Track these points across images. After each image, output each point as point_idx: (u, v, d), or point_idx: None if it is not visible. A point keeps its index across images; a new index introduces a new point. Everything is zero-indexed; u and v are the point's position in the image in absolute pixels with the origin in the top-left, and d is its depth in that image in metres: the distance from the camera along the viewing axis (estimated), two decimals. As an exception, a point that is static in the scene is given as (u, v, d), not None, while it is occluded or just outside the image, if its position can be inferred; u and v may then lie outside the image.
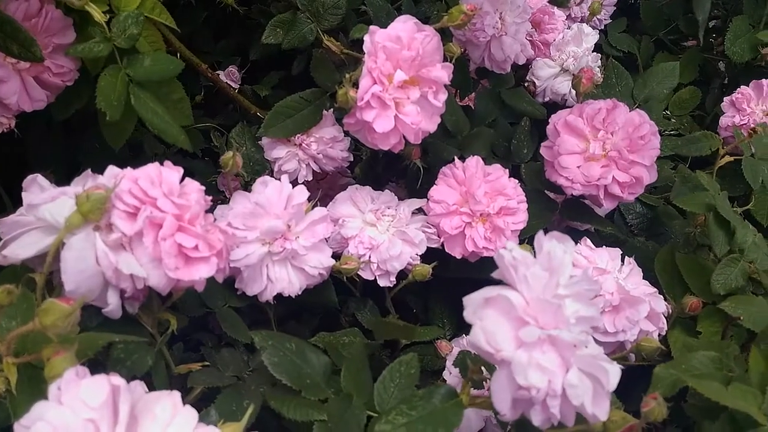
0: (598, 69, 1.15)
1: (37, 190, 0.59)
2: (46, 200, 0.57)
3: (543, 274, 0.50)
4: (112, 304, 0.58)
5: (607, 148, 0.90)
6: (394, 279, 0.88)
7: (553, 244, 0.52)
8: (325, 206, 0.85)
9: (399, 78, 0.78)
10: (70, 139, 1.02)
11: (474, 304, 0.51)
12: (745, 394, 0.55)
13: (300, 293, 0.80)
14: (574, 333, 0.49)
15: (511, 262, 0.51)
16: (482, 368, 0.61)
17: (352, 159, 0.98)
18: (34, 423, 0.44)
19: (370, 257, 0.87)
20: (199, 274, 0.60)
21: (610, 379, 0.50)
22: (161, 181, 0.59)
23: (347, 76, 0.81)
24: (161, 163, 0.62)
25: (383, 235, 0.88)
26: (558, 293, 0.50)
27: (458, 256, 0.90)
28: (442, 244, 0.90)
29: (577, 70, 1.06)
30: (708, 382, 0.56)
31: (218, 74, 1.12)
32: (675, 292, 0.89)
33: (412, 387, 0.64)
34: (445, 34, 0.98)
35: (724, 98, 1.15)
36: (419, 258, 0.88)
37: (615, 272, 0.82)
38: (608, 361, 0.51)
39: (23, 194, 0.60)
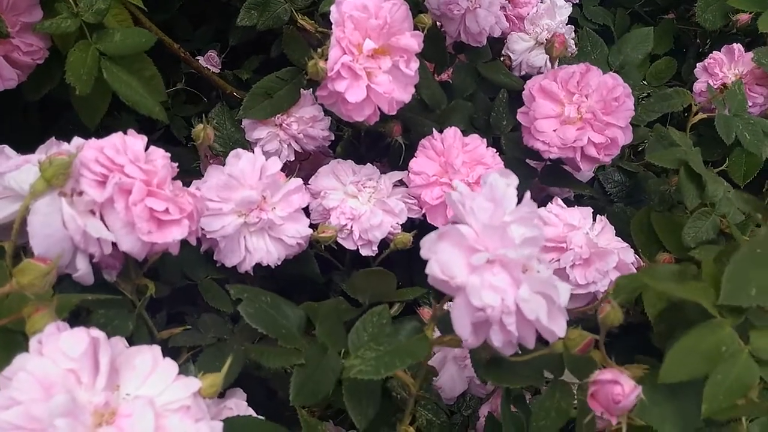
0: (572, 41, 1.16)
1: (4, 159, 0.61)
2: (11, 168, 0.58)
3: (488, 205, 0.53)
4: (82, 269, 0.59)
5: (581, 110, 0.90)
6: (376, 248, 0.89)
7: (494, 177, 0.54)
8: (308, 187, 0.86)
9: (368, 47, 0.79)
10: (45, 125, 1.02)
11: (429, 241, 0.54)
12: (700, 289, 0.57)
13: (280, 263, 0.81)
14: (521, 253, 0.51)
15: (458, 198, 0.54)
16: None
17: (333, 138, 0.99)
18: (16, 374, 0.45)
19: (351, 227, 0.88)
20: (172, 236, 0.62)
21: (561, 295, 0.52)
22: (126, 148, 0.61)
23: (318, 50, 0.82)
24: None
25: (364, 206, 0.89)
26: (504, 220, 0.52)
27: (440, 227, 0.90)
28: (425, 216, 0.91)
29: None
30: (664, 281, 0.58)
31: (198, 59, 1.13)
32: (650, 251, 0.89)
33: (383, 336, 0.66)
34: (421, 11, 0.99)
35: (697, 64, 1.16)
36: (400, 227, 0.90)
37: (586, 228, 0.83)
38: (559, 280, 0.53)
39: (-11, 166, 0.61)
